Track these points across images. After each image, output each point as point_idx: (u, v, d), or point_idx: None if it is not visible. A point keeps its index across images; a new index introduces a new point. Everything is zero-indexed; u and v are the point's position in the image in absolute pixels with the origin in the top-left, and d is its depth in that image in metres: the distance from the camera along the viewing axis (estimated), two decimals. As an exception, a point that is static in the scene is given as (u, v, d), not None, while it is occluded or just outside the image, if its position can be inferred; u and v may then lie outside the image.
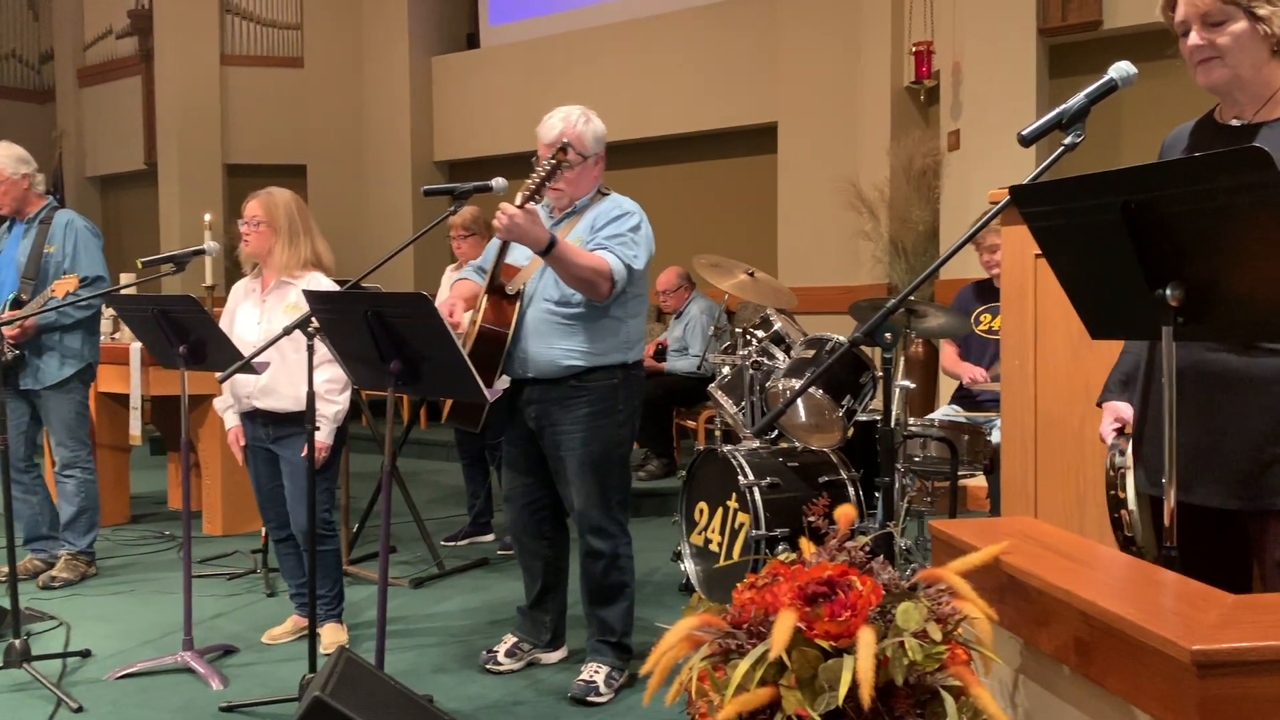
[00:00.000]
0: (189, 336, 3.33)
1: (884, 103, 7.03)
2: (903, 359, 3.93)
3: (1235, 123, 1.96)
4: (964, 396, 4.29)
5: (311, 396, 2.93)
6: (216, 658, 3.56)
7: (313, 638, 3.06)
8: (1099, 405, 2.18)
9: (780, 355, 4.12)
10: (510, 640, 3.48)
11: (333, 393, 3.44)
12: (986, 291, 4.23)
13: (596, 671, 3.21)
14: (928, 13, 6.71)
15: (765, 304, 4.53)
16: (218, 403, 3.72)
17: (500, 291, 3.17)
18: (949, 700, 1.43)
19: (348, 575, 4.52)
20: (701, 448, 4.05)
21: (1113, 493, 1.95)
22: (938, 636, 1.45)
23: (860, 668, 1.38)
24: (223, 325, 3.51)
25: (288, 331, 2.84)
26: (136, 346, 5.12)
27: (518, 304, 3.16)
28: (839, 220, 7.04)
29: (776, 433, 4.00)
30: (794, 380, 3.76)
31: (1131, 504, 1.93)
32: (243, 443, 3.61)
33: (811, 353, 3.84)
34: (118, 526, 5.53)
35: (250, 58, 10.16)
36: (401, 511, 4.98)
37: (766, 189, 7.89)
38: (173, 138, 10.04)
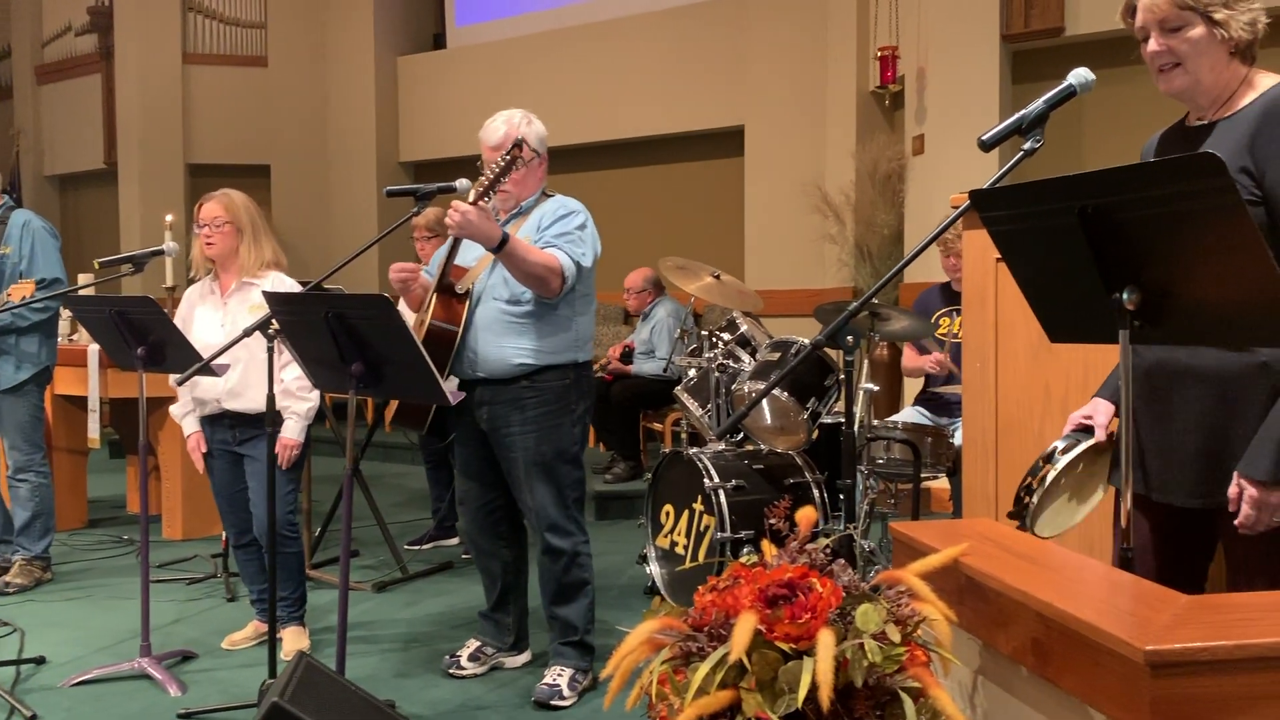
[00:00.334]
0: (147, 338, 3.28)
1: (849, 107, 7.08)
2: (867, 362, 3.96)
3: (1196, 124, 1.99)
4: (928, 399, 4.32)
5: (272, 399, 2.90)
6: (175, 664, 3.51)
7: (273, 643, 3.03)
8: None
9: (746, 358, 4.13)
10: (473, 644, 3.46)
11: (304, 390, 3.41)
12: (948, 295, 4.27)
13: (560, 675, 3.20)
14: (893, 18, 6.76)
15: (731, 307, 4.54)
16: (174, 409, 3.66)
17: (449, 290, 3.16)
18: (908, 702, 1.44)
19: (310, 579, 4.47)
20: (668, 450, 4.05)
21: (1028, 479, 1.97)
22: (897, 638, 1.46)
23: (820, 670, 1.39)
24: (181, 328, 3.46)
25: (247, 333, 2.82)
26: (94, 348, 5.04)
27: (467, 303, 3.16)
28: (805, 223, 7.07)
29: (742, 435, 4.00)
30: (759, 383, 3.77)
31: (1036, 498, 1.95)
32: (203, 449, 3.56)
33: (777, 355, 3.85)
34: (75, 531, 5.44)
35: (213, 56, 10.04)
36: (365, 515, 4.94)
37: (733, 192, 7.92)
38: (133, 137, 9.91)
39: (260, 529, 3.49)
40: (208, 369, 3.01)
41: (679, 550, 3.83)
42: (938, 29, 6.06)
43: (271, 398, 2.90)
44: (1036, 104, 1.95)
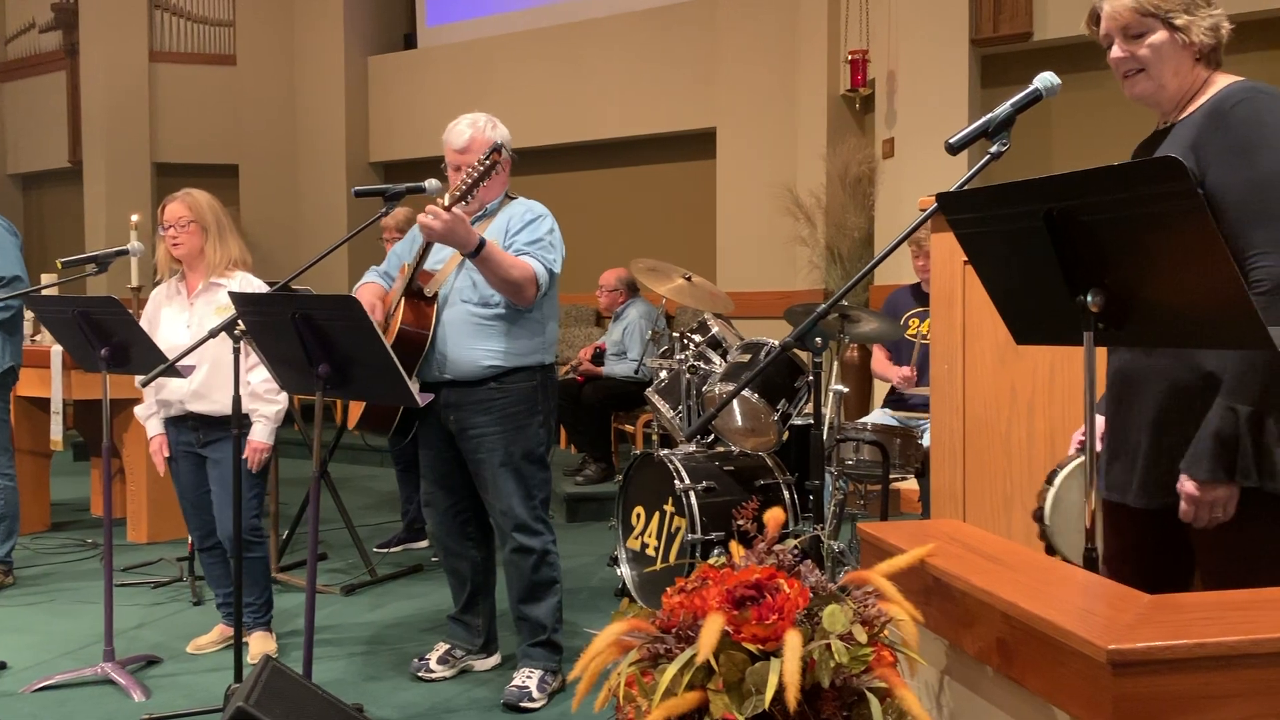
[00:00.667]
0: (111, 339, 3.24)
1: (820, 110, 7.11)
2: (837, 363, 3.97)
3: (1162, 127, 2.01)
4: (897, 400, 4.35)
5: (238, 400, 2.87)
6: (139, 669, 3.46)
7: (239, 647, 3.00)
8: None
9: (717, 360, 4.13)
10: (443, 648, 3.44)
11: (272, 392, 3.38)
12: (917, 296, 4.29)
13: (529, 676, 3.19)
14: (863, 21, 6.80)
15: (702, 308, 4.55)
16: (138, 410, 3.62)
17: (418, 294, 3.15)
18: (874, 702, 1.45)
19: (278, 583, 4.44)
20: (639, 452, 4.04)
21: (1038, 505, 2.00)
22: (863, 639, 1.47)
23: (786, 670, 1.39)
24: (146, 329, 3.42)
25: (213, 334, 2.79)
26: (58, 349, 4.97)
27: (435, 306, 3.15)
28: (776, 226, 7.09)
29: (713, 437, 4.01)
30: (730, 385, 3.77)
31: (1047, 518, 1.98)
32: (166, 453, 3.52)
33: (747, 357, 3.86)
34: (37, 535, 5.36)
35: (180, 54, 9.94)
36: (334, 518, 4.90)
37: (705, 194, 7.93)
38: (99, 135, 9.79)
39: (225, 533, 3.46)
40: (173, 370, 2.98)
41: (650, 552, 3.83)
42: (907, 33, 6.10)
43: (238, 399, 2.87)
44: (1003, 108, 1.97)
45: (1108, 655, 1.26)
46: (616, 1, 8.42)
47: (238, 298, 2.75)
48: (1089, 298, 1.64)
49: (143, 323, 3.55)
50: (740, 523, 1.73)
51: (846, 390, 3.90)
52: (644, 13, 8.25)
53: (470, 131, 3.19)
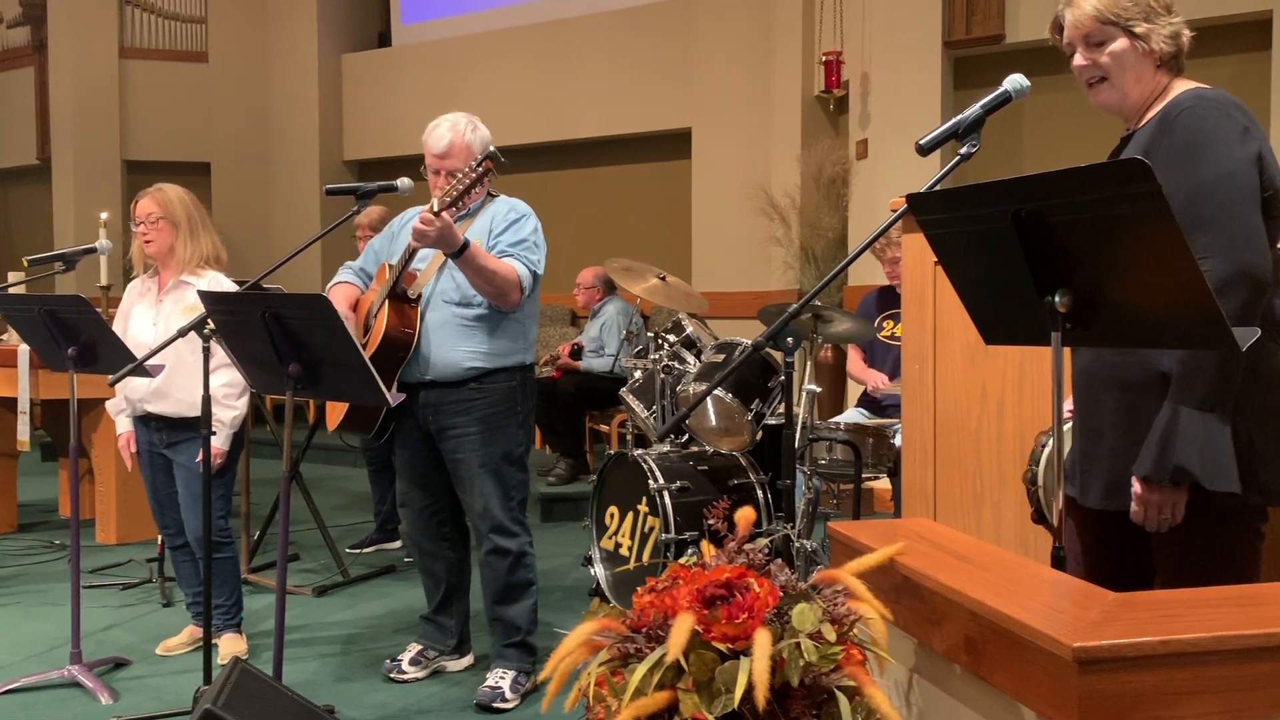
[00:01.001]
0: (79, 338, 3.20)
1: (794, 111, 7.13)
2: (810, 363, 3.98)
3: (1126, 132, 2.03)
4: (870, 400, 4.37)
5: (207, 400, 2.85)
6: (106, 671, 3.43)
7: (208, 648, 2.97)
8: None
9: (691, 359, 4.13)
10: (415, 648, 3.42)
11: (230, 397, 3.35)
12: (890, 298, 4.31)
13: (503, 677, 3.18)
14: (837, 23, 6.83)
15: (677, 308, 4.55)
16: (110, 405, 3.60)
17: (402, 297, 3.13)
18: (843, 700, 1.45)
19: (249, 584, 4.41)
20: (613, 452, 4.04)
21: (1031, 466, 2.01)
22: (832, 637, 1.47)
23: (756, 669, 1.39)
24: (115, 327, 3.39)
25: (183, 333, 2.76)
26: (25, 349, 4.91)
27: (419, 308, 3.13)
28: (751, 226, 7.11)
29: (687, 436, 4.01)
30: (704, 384, 3.77)
31: (1040, 478, 2.00)
32: (133, 449, 3.49)
33: (721, 357, 3.86)
34: (4, 536, 5.30)
35: (151, 51, 9.84)
36: (306, 518, 4.87)
37: (680, 194, 7.94)
38: (68, 132, 9.67)
39: (192, 535, 3.43)
40: (141, 369, 2.95)
41: (623, 552, 3.83)
42: (881, 35, 6.13)
43: (207, 399, 2.84)
44: (973, 109, 1.98)
45: (1073, 653, 1.27)
46: (592, 1, 8.42)
47: (208, 296, 2.73)
48: (1056, 298, 1.65)
49: (116, 318, 3.52)
50: (711, 522, 1.73)
51: (820, 390, 3.91)
52: (619, 13, 8.25)
53: (450, 136, 3.15)
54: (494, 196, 3.27)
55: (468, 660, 3.47)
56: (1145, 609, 1.42)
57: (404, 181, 3.06)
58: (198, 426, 3.15)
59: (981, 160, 1.98)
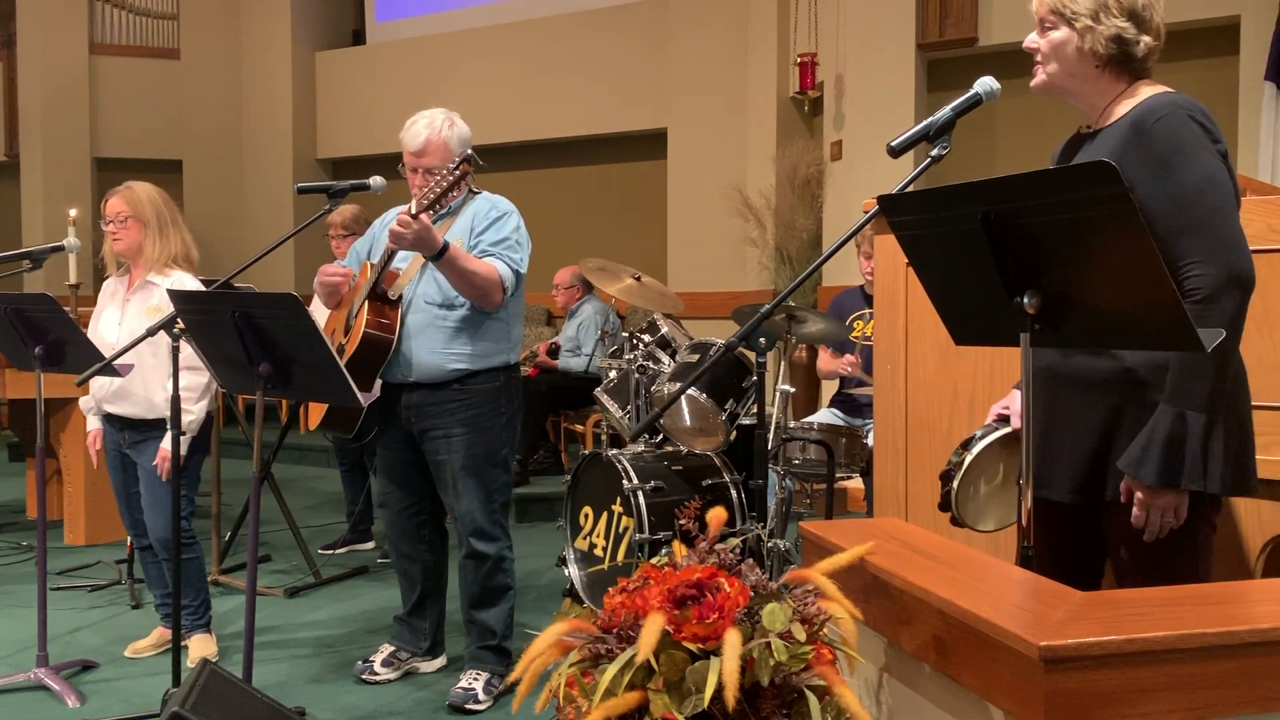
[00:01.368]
0: (46, 337, 3.17)
1: (770, 112, 7.16)
2: (785, 363, 3.99)
3: (1085, 130, 2.05)
4: (843, 400, 4.38)
5: (177, 400, 2.82)
6: (74, 674, 3.39)
7: (177, 650, 2.95)
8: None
9: (666, 359, 4.13)
10: (387, 649, 3.40)
11: (188, 400, 3.29)
12: (864, 298, 4.33)
13: (476, 679, 3.17)
14: (812, 25, 6.86)
15: (651, 308, 4.55)
16: (83, 403, 3.56)
17: (382, 297, 3.11)
18: (813, 700, 1.45)
19: (220, 585, 4.38)
20: (588, 452, 4.04)
21: (948, 467, 1.99)
22: (802, 637, 1.48)
23: (726, 669, 1.39)
24: (91, 326, 3.36)
25: (152, 332, 2.74)
26: (-8, 347, 4.84)
27: (400, 309, 3.11)
28: (726, 226, 7.13)
29: (662, 436, 4.01)
30: (678, 384, 3.77)
31: (956, 482, 1.96)
32: (98, 446, 3.46)
33: (696, 357, 3.86)
34: (-30, 537, 5.23)
35: (122, 47, 9.73)
36: (277, 519, 4.84)
37: (656, 194, 7.94)
38: (36, 129, 9.55)
39: (154, 535, 3.40)
40: (110, 369, 2.92)
41: (598, 552, 3.82)
42: (855, 37, 6.16)
43: (176, 399, 2.81)
44: (944, 112, 2.00)
45: (1039, 652, 1.28)
46: (568, 1, 8.41)
47: (176, 295, 2.70)
48: (1025, 299, 1.67)
49: (93, 317, 3.49)
50: (683, 522, 1.73)
51: (793, 390, 3.93)
52: (595, 12, 8.24)
53: (426, 133, 3.12)
54: (476, 194, 3.24)
55: (440, 662, 3.45)
56: (1111, 608, 1.44)
57: (376, 180, 3.04)
58: (159, 427, 3.12)
59: (956, 162, 2.00)
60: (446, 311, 3.08)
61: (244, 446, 6.31)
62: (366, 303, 3.08)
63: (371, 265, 3.17)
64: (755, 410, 3.85)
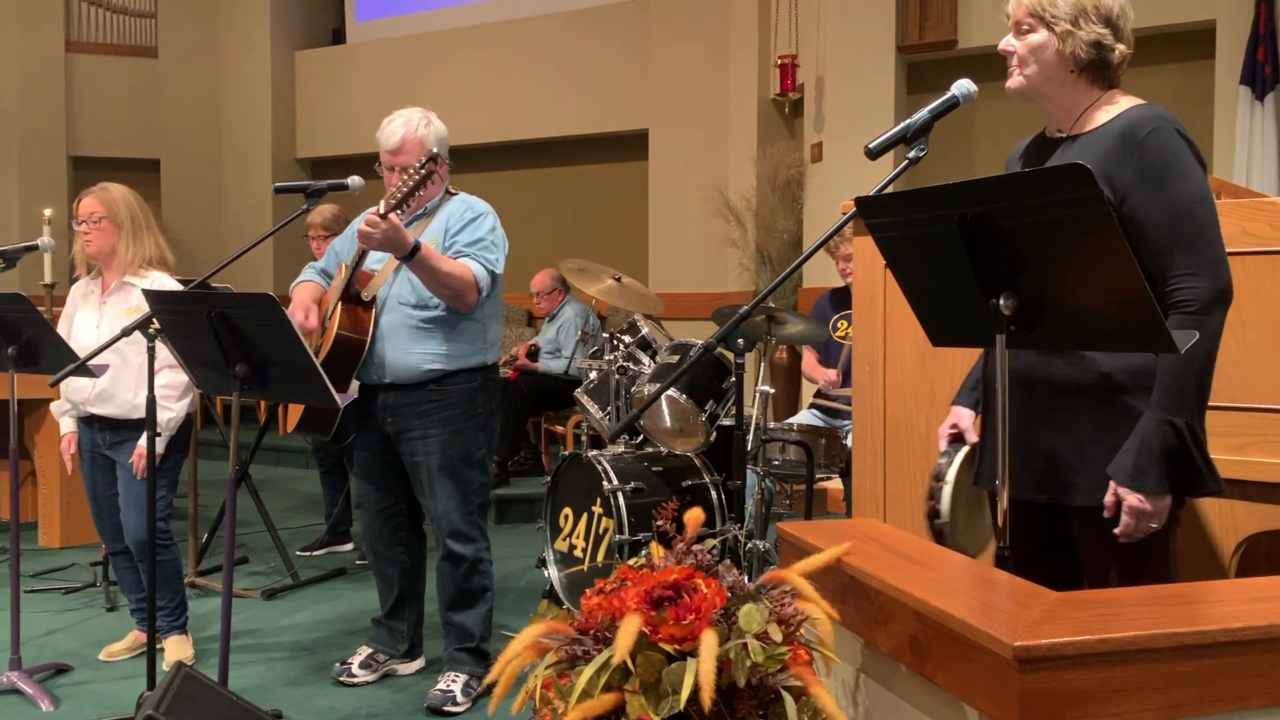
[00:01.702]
0: (19, 337, 3.14)
1: (750, 113, 7.17)
2: (765, 364, 4.00)
3: (1056, 135, 2.06)
4: (824, 402, 4.40)
5: (152, 400, 2.80)
6: (47, 677, 3.36)
7: (152, 653, 2.92)
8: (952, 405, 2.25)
9: (646, 360, 4.13)
10: (365, 651, 3.39)
11: (169, 399, 3.27)
12: (843, 299, 4.35)
13: (454, 680, 3.16)
14: (793, 27, 6.87)
15: (632, 309, 4.55)
16: (54, 407, 3.53)
17: (355, 299, 3.09)
18: (789, 701, 1.45)
19: (198, 587, 4.34)
20: (568, 453, 4.03)
21: (932, 503, 2.01)
22: (779, 638, 1.48)
23: (702, 670, 1.39)
24: (60, 330, 3.32)
25: (127, 332, 2.71)
26: (-35, 347, 4.79)
27: (373, 310, 3.09)
28: (707, 228, 7.13)
29: (642, 437, 4.01)
30: (658, 385, 3.77)
31: (945, 515, 1.99)
32: (73, 450, 3.42)
33: (676, 358, 3.86)
34: (-57, 540, 5.16)
35: (99, 45, 9.64)
36: (255, 520, 4.81)
37: (637, 195, 7.94)
38: (11, 127, 9.44)
39: (130, 536, 3.37)
40: (84, 370, 2.89)
41: (578, 553, 3.82)
42: (836, 39, 6.18)
43: (152, 400, 2.79)
44: (921, 114, 2.00)
45: (1013, 652, 1.28)
46: (548, 1, 8.40)
47: (153, 295, 2.68)
48: (1001, 301, 1.67)
49: (60, 320, 3.46)
50: (660, 523, 1.73)
51: (773, 391, 3.93)
52: (575, 13, 8.24)
53: (403, 131, 3.11)
54: (452, 195, 3.23)
55: (419, 664, 3.44)
56: (1085, 608, 1.44)
57: (354, 180, 3.03)
58: (140, 427, 3.10)
59: (936, 165, 2.01)
60: (420, 312, 3.07)
61: (222, 447, 6.26)
62: (340, 304, 3.07)
63: (346, 266, 3.15)
64: (735, 411, 3.86)
